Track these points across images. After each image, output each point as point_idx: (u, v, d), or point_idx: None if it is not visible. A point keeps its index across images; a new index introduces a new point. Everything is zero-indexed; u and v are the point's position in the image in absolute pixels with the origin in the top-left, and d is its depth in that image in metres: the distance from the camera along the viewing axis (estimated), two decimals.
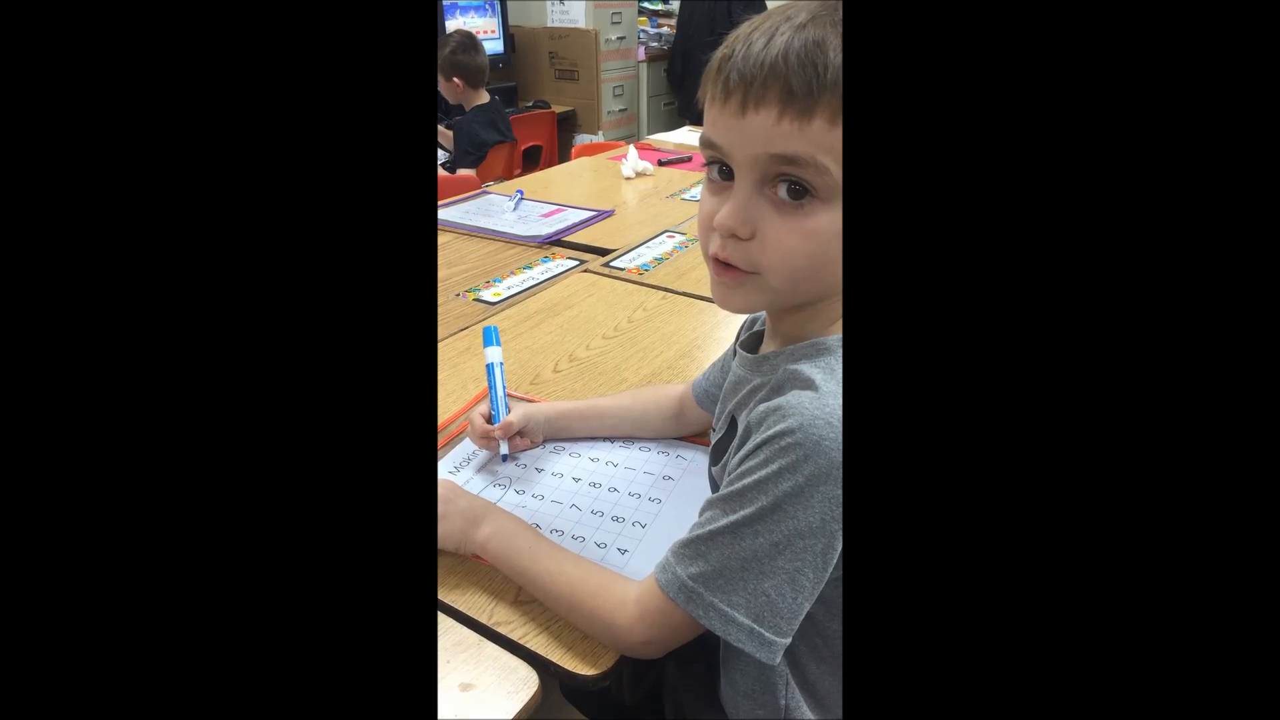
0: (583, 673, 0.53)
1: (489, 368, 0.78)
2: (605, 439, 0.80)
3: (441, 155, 2.54)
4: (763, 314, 0.62)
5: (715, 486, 0.60)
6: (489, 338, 0.81)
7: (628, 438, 0.80)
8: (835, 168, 0.44)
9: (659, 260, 1.29)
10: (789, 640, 0.47)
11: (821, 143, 0.43)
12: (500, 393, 0.76)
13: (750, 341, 0.61)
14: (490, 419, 0.75)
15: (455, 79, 2.36)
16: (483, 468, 0.75)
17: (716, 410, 0.64)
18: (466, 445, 0.78)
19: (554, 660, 0.54)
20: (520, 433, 0.76)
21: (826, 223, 0.45)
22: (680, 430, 0.80)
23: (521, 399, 0.84)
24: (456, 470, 0.75)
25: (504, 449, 0.75)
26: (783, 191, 0.46)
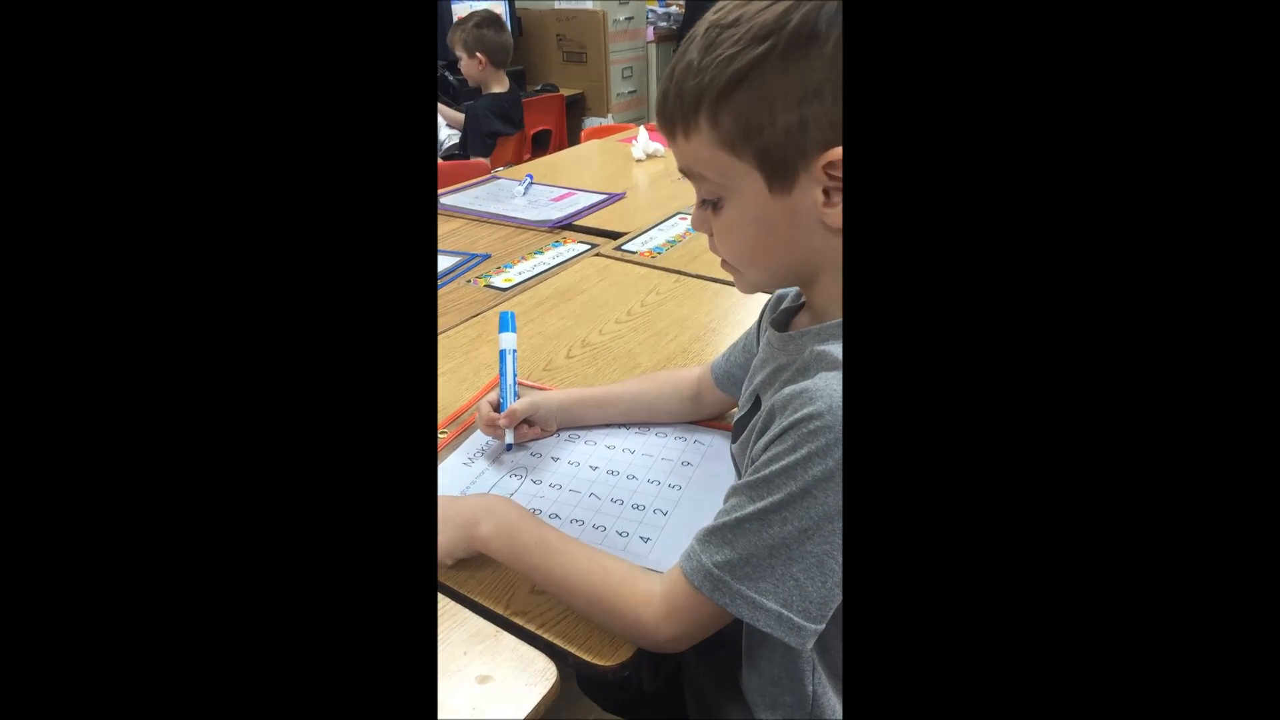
0: (602, 664, 0.52)
1: (501, 354, 0.77)
2: (620, 425, 0.79)
3: (448, 133, 2.51)
4: (790, 291, 0.62)
5: (736, 464, 0.59)
6: (505, 323, 0.79)
7: (643, 424, 0.79)
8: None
9: (671, 243, 1.28)
10: (821, 627, 0.46)
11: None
12: (509, 381, 0.75)
13: (780, 319, 0.60)
14: (498, 407, 0.74)
15: (479, 54, 2.33)
16: (496, 459, 0.74)
17: (742, 389, 0.63)
18: (480, 436, 0.77)
19: (572, 651, 0.53)
20: (529, 422, 0.75)
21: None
22: (697, 414, 0.79)
23: (534, 387, 0.83)
24: (471, 461, 0.74)
25: (509, 438, 0.73)
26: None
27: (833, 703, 0.55)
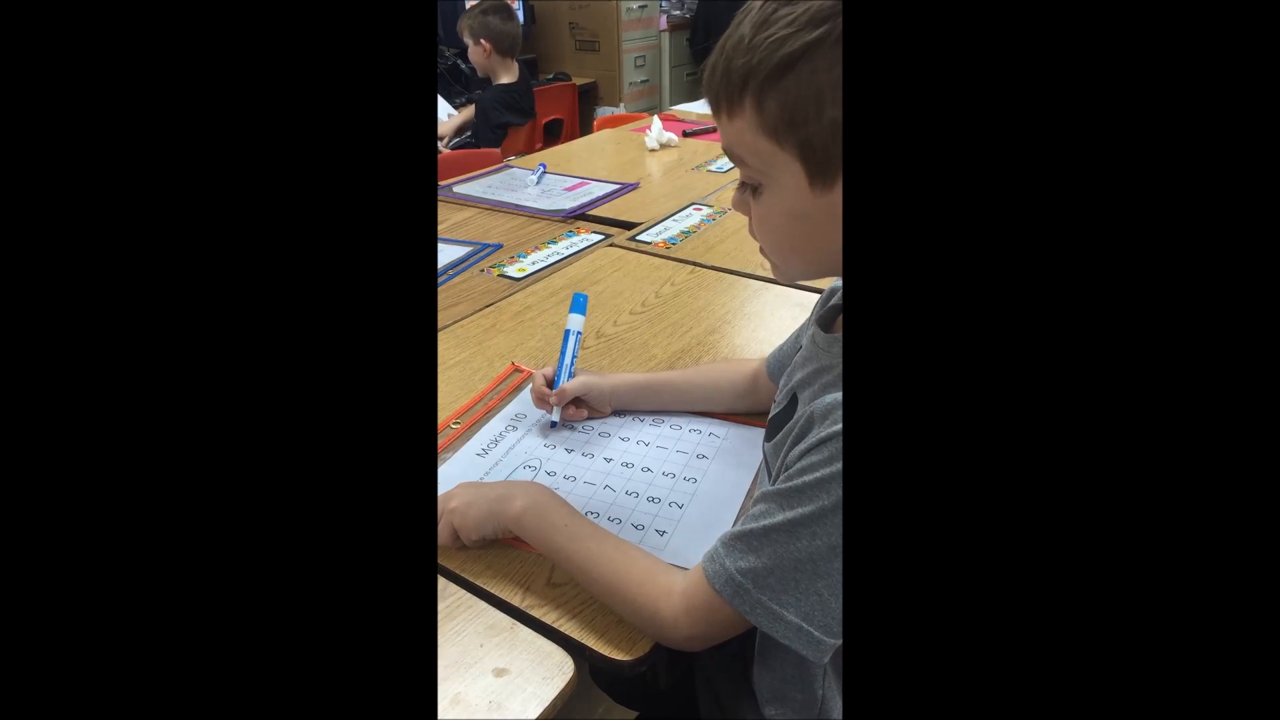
0: (619, 658, 0.52)
1: (566, 333, 0.79)
2: (633, 417, 0.79)
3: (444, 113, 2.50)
4: (839, 290, 0.60)
5: (768, 463, 0.58)
6: (576, 304, 0.81)
7: (698, 413, 0.79)
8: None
9: (686, 233, 1.26)
10: (839, 642, 0.45)
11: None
12: (567, 360, 0.77)
13: (827, 316, 0.59)
14: (552, 382, 0.76)
15: (483, 41, 2.31)
16: (510, 450, 0.74)
17: (781, 382, 0.62)
18: (493, 427, 0.77)
19: (589, 645, 0.53)
20: (579, 403, 0.76)
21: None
22: (753, 406, 0.78)
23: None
24: (484, 452, 0.73)
25: (555, 415, 0.75)
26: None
27: (840, 708, 0.54)
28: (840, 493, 0.43)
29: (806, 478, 0.45)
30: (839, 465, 0.43)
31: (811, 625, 0.45)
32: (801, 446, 0.46)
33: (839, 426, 0.44)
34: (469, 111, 2.49)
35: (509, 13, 2.34)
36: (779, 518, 0.45)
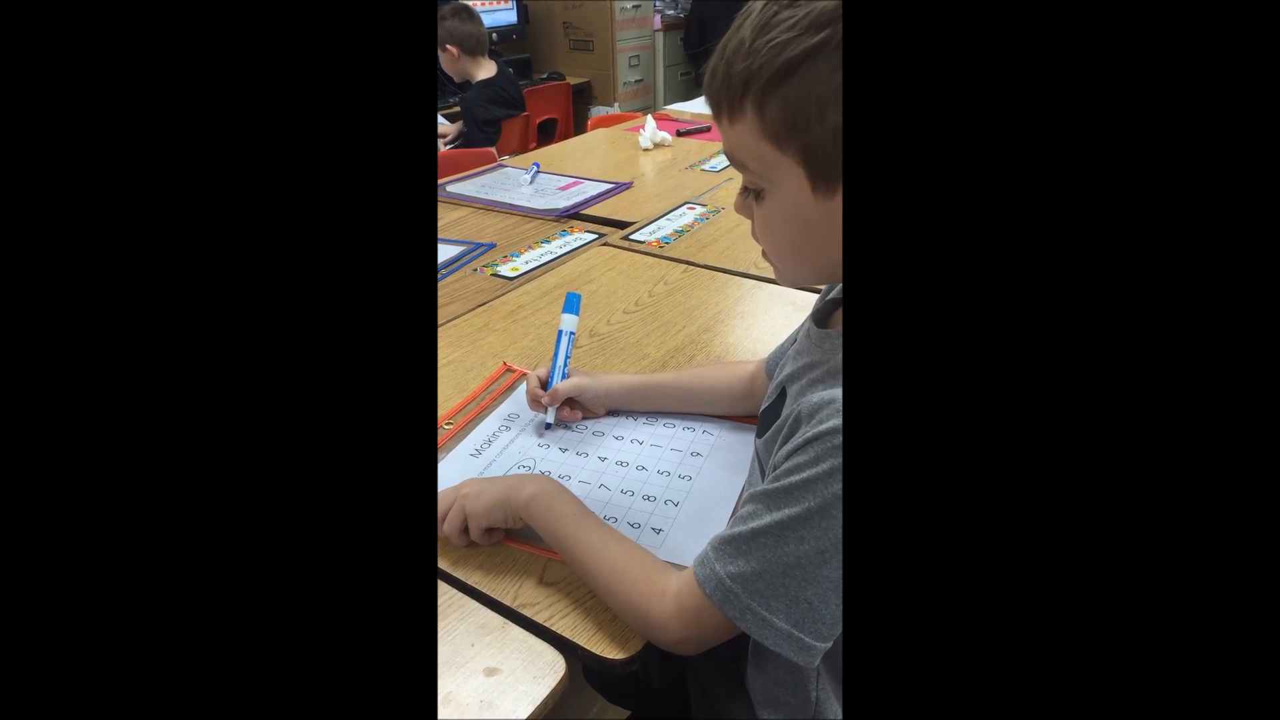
0: (611, 657, 0.52)
1: (559, 334, 0.78)
2: (628, 415, 0.78)
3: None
4: (837, 285, 0.60)
5: (760, 459, 0.58)
6: (569, 305, 0.80)
7: (693, 415, 0.78)
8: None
9: (679, 233, 1.26)
10: (829, 645, 0.45)
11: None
12: (560, 361, 0.76)
13: (824, 311, 0.59)
14: (546, 383, 0.75)
15: (449, 46, 2.31)
16: (504, 450, 0.74)
17: (773, 376, 0.62)
18: (487, 426, 0.77)
19: (581, 644, 0.52)
20: (572, 404, 0.76)
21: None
22: (751, 410, 0.76)
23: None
24: (478, 453, 0.73)
25: (550, 417, 0.75)
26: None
27: (835, 709, 0.54)
28: (826, 494, 0.43)
29: (793, 478, 0.44)
30: (825, 466, 0.43)
31: (802, 632, 0.45)
32: (789, 446, 0.46)
33: (825, 426, 0.44)
34: (461, 123, 2.48)
35: (469, 13, 2.33)
36: (766, 519, 0.45)
